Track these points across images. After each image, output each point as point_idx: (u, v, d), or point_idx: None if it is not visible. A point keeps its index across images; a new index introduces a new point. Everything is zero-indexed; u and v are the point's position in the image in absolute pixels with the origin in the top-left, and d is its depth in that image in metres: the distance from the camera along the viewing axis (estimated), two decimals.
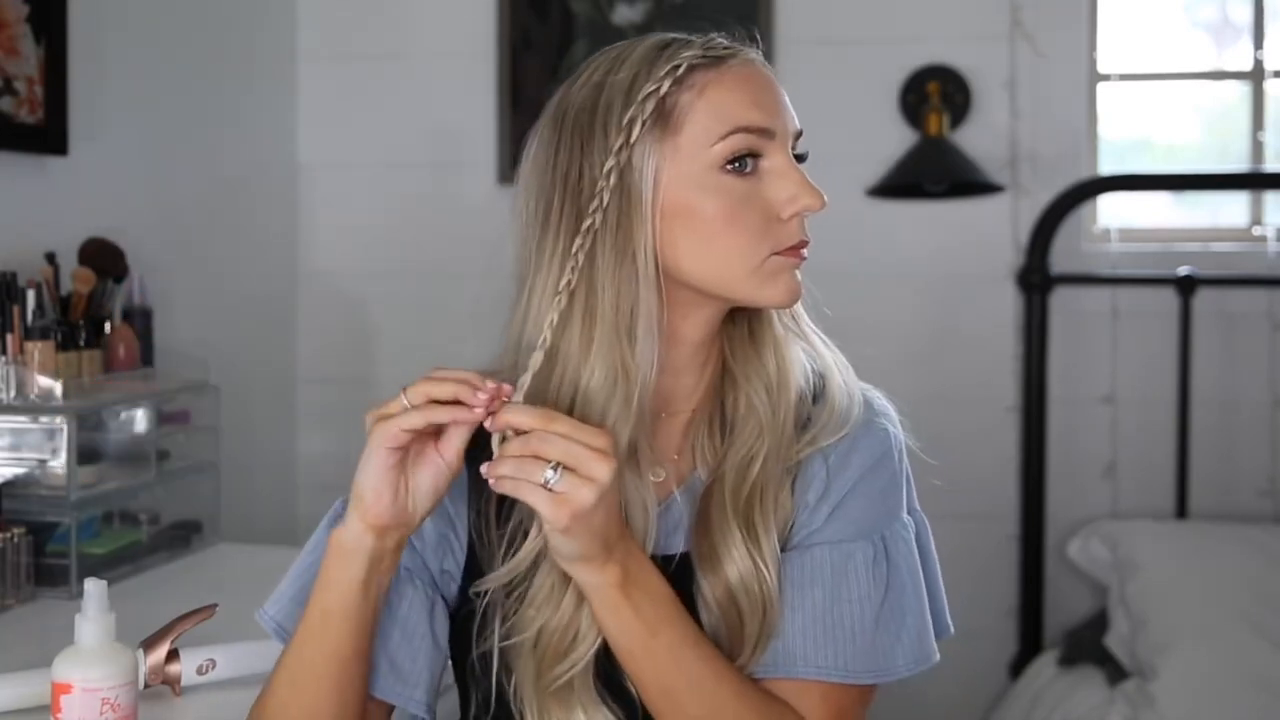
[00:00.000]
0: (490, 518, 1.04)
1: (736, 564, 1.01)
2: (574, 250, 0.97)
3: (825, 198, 1.01)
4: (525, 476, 0.91)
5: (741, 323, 1.08)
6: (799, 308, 1.09)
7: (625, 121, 0.97)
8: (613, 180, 0.97)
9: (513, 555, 1.01)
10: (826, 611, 1.02)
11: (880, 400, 1.10)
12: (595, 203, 0.97)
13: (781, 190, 1.00)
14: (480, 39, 2.73)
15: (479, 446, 0.98)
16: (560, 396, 0.98)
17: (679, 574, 1.03)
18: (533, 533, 0.98)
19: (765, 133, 0.99)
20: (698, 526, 1.04)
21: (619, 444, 0.97)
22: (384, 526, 0.96)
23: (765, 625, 1.01)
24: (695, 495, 1.06)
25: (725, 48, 1.01)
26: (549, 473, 0.90)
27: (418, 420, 0.93)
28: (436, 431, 0.96)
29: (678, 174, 0.98)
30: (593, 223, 0.97)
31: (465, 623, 1.06)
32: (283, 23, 2.77)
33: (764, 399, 1.05)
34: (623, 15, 2.66)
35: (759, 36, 1.07)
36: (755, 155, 1.00)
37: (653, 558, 1.02)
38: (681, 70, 0.98)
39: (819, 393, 1.07)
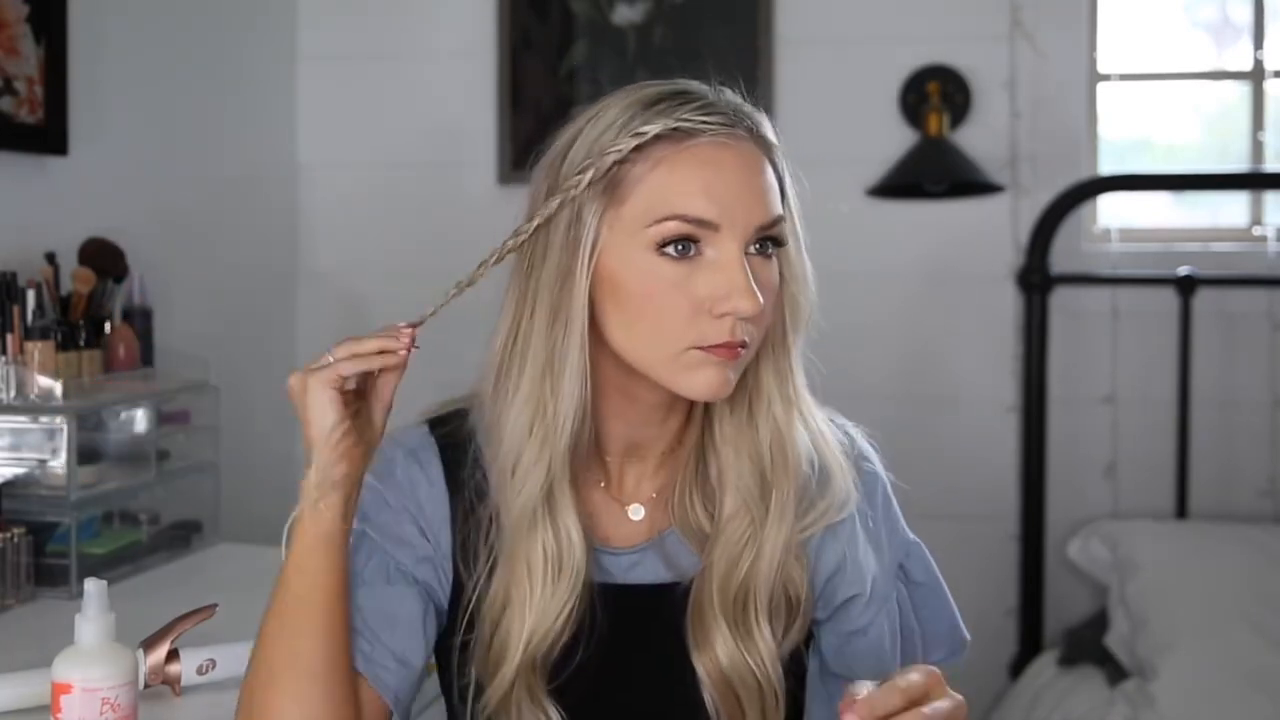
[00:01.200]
0: (473, 546, 1.05)
1: (727, 655, 1.02)
2: (506, 245, 0.98)
3: (761, 302, 0.94)
4: None
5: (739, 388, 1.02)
6: (800, 383, 1.05)
7: (578, 171, 0.96)
8: (552, 217, 0.96)
9: (491, 572, 1.03)
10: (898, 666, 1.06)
11: (861, 441, 1.11)
12: (529, 241, 0.98)
13: (716, 286, 0.94)
14: (480, 39, 2.73)
15: (463, 467, 1.03)
16: (491, 439, 1.01)
17: (681, 600, 1.05)
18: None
19: (706, 225, 0.94)
20: (693, 613, 1.04)
21: (535, 485, 0.99)
22: (355, 480, 0.98)
23: (766, 717, 1.03)
24: (666, 553, 1.06)
25: (704, 120, 0.96)
26: None
27: (349, 368, 0.94)
28: (365, 391, 0.98)
29: (614, 245, 0.96)
30: (530, 263, 0.98)
31: (447, 655, 1.07)
32: (283, 23, 2.76)
33: (753, 491, 1.03)
34: (623, 15, 2.66)
35: (752, 109, 1.01)
36: (695, 241, 0.95)
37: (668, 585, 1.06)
38: (648, 137, 0.95)
39: (821, 475, 1.06)
